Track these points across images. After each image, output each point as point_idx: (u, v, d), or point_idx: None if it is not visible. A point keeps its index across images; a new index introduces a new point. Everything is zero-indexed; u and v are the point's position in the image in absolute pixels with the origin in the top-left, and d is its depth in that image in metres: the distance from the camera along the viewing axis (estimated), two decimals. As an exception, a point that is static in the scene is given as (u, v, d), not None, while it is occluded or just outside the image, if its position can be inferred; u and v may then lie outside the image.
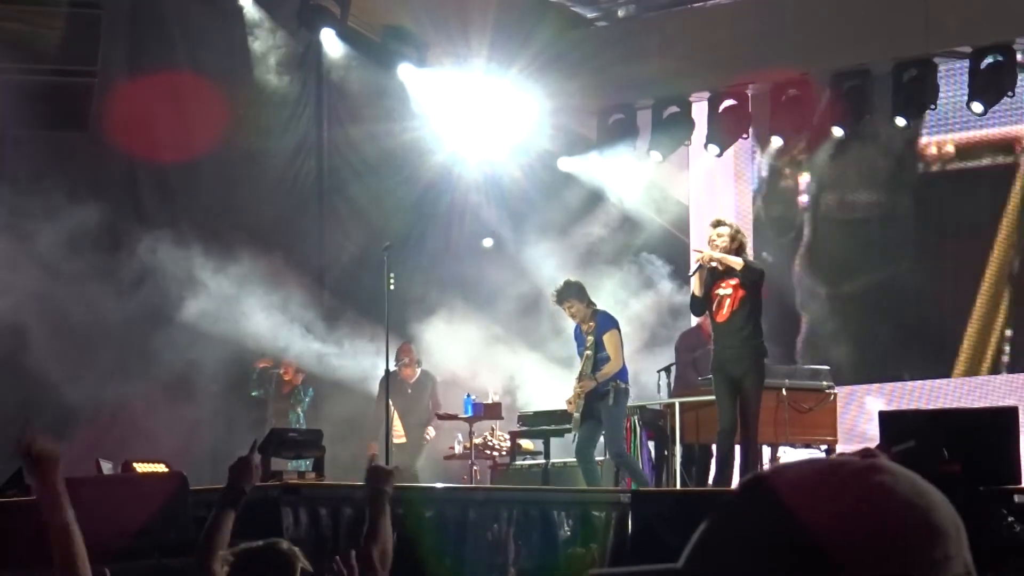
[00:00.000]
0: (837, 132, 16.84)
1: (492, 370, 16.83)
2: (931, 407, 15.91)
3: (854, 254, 17.52)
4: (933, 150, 17.34)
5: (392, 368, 15.02)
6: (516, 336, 17.29)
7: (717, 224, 12.59)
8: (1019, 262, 16.60)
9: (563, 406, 14.89)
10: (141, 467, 10.66)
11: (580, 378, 13.14)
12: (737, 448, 12.28)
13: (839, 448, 13.80)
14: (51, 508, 4.11)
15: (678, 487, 13.61)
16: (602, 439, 13.33)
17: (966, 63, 15.98)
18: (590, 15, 18.47)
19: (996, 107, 16.02)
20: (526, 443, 15.35)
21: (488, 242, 18.47)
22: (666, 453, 14.27)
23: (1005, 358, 16.63)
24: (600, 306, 13.55)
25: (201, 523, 9.12)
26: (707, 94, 17.55)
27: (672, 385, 15.20)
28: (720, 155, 17.64)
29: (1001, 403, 14.70)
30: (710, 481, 13.12)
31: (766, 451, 13.25)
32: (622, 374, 13.11)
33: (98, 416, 15.13)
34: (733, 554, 1.49)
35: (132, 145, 16.18)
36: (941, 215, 17.18)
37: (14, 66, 15.95)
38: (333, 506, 10.20)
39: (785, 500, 1.48)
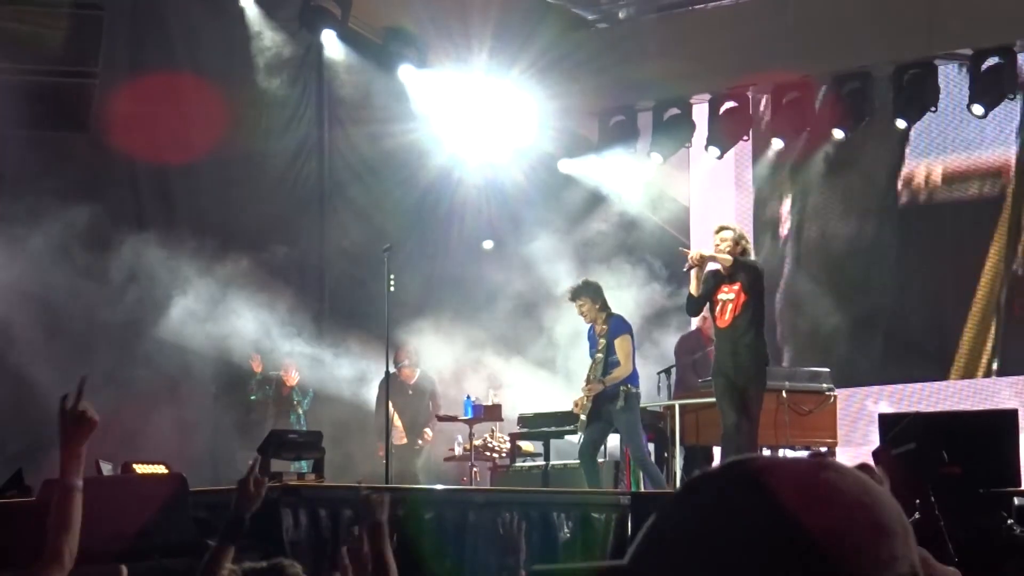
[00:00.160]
0: (838, 134, 16.85)
1: (484, 371, 16.86)
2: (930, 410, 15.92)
3: (837, 286, 17.49)
4: (919, 179, 17.38)
5: (391, 370, 15.01)
6: (513, 338, 17.29)
7: (720, 229, 12.52)
8: (1006, 292, 16.64)
9: (562, 408, 14.90)
10: (141, 468, 10.65)
11: (588, 380, 13.11)
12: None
13: (839, 451, 13.81)
14: (67, 470, 4.31)
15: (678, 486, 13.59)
16: (605, 442, 13.34)
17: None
18: (591, 17, 18.47)
19: (986, 135, 16.23)
20: (526, 445, 15.35)
21: (488, 244, 18.47)
22: (666, 455, 14.27)
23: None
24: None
25: (201, 524, 9.16)
26: (708, 96, 17.56)
27: (672, 387, 15.20)
28: (721, 157, 17.64)
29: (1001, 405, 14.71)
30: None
31: (765, 453, 13.21)
32: (632, 379, 13.06)
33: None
34: (678, 552, 1.48)
35: (133, 146, 16.18)
36: (926, 245, 17.20)
37: (15, 66, 15.95)
38: (333, 507, 10.20)
39: (733, 496, 1.48)
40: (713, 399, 12.78)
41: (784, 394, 13.39)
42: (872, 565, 1.45)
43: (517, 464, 15.13)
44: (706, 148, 17.52)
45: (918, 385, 16.85)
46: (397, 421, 15.90)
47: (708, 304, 12.43)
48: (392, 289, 13.80)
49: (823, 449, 13.42)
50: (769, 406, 12.82)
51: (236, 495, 5.27)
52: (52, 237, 15.18)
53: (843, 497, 1.48)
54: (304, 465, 12.63)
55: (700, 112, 17.64)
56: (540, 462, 14.78)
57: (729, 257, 12.18)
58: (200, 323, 15.98)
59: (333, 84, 18.08)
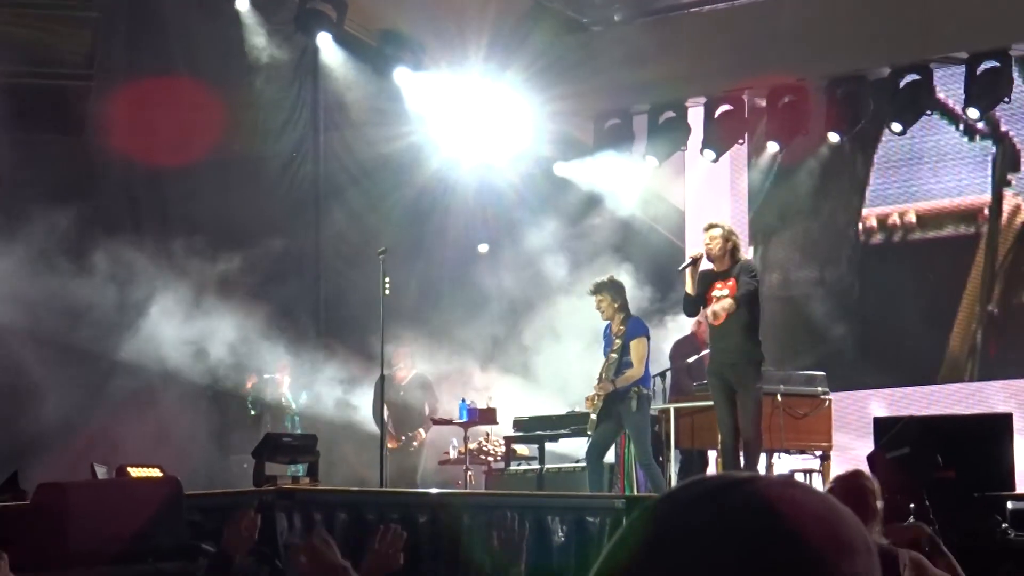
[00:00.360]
0: (833, 138, 16.87)
1: (479, 374, 16.88)
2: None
3: (799, 332, 17.49)
4: (893, 219, 17.46)
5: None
6: (508, 342, 17.31)
7: (709, 227, 12.41)
8: (982, 331, 16.68)
9: (556, 412, 14.91)
10: (136, 471, 10.64)
11: (600, 379, 13.09)
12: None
13: (834, 454, 13.80)
14: None
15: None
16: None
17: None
18: (586, 20, 18.47)
19: (961, 178, 16.40)
20: (520, 448, 15.36)
21: (484, 248, 18.47)
22: (661, 459, 14.26)
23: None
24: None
25: (195, 528, 9.16)
26: (703, 99, 17.56)
27: (668, 391, 15.20)
28: (716, 160, 17.65)
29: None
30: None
31: (761, 458, 13.19)
32: (644, 381, 13.04)
33: (87, 422, 15.14)
34: (636, 568, 1.49)
35: (128, 149, 16.19)
36: (896, 284, 17.24)
37: (11, 69, 15.97)
38: (327, 511, 10.20)
39: (694, 514, 1.49)
40: (708, 403, 12.77)
41: (779, 397, 13.37)
42: None
43: (512, 468, 15.13)
44: (701, 152, 17.52)
45: (909, 389, 16.87)
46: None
47: (703, 304, 12.37)
48: (387, 292, 13.80)
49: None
50: (764, 410, 12.78)
51: (225, 534, 5.19)
52: (46, 240, 15.18)
53: (807, 513, 1.48)
54: (299, 468, 12.63)
55: (696, 115, 17.65)
56: (535, 465, 14.78)
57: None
58: (194, 326, 15.98)
59: (329, 87, 18.09)
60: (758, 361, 12.17)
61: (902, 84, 16.22)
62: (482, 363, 17.35)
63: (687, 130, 17.66)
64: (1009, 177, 16.64)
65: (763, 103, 17.20)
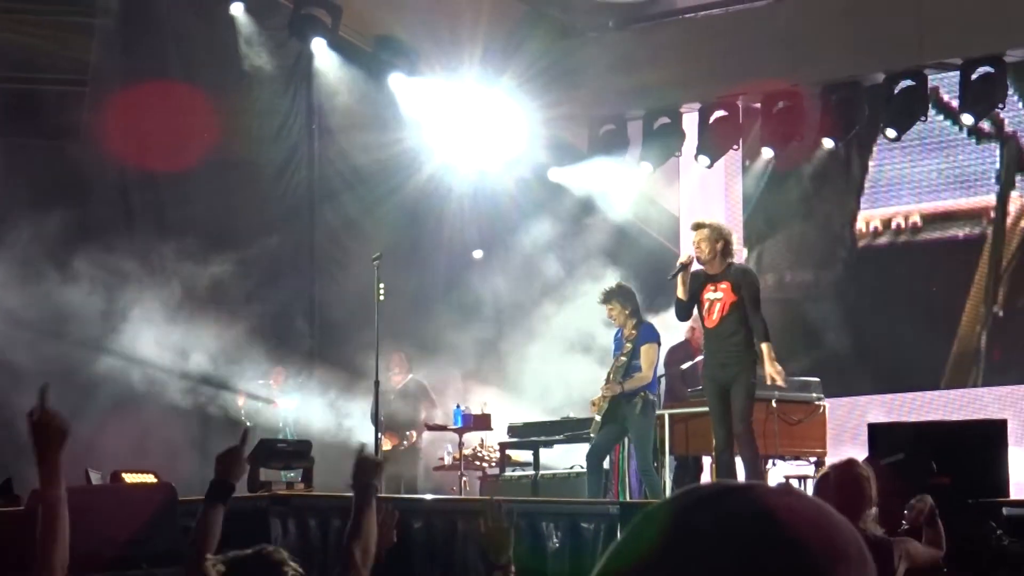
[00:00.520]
0: (828, 144, 16.88)
1: (474, 380, 16.89)
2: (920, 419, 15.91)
3: (795, 336, 17.46)
4: (870, 224, 17.48)
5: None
6: (502, 347, 17.30)
7: (697, 227, 12.09)
8: (986, 335, 16.69)
9: (550, 418, 14.91)
10: (130, 477, 10.64)
11: (608, 381, 13.09)
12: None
13: (828, 461, 13.78)
14: (47, 482, 4.24)
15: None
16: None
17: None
18: (580, 26, 18.48)
19: (964, 180, 16.39)
20: (515, 454, 15.35)
21: (478, 254, 18.47)
22: (656, 464, 14.25)
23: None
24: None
25: (190, 533, 9.14)
26: (698, 105, 17.57)
27: (662, 397, 15.19)
28: (710, 166, 17.65)
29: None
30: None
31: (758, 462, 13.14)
32: (651, 387, 13.07)
33: (80, 428, 15.11)
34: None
35: (122, 154, 16.17)
36: (901, 287, 17.24)
37: (5, 74, 15.95)
38: (322, 517, 10.20)
39: (688, 520, 1.51)
40: (702, 409, 12.73)
41: (774, 403, 13.33)
42: None
43: (507, 473, 15.13)
44: (696, 157, 17.52)
45: (910, 395, 16.86)
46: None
47: (697, 306, 12.27)
48: (382, 298, 13.80)
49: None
50: (759, 416, 12.72)
51: (223, 462, 5.21)
52: (40, 245, 15.17)
53: (802, 522, 1.50)
54: (294, 474, 12.63)
55: (690, 121, 17.65)
56: (529, 471, 14.78)
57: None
58: (187, 332, 15.96)
59: (323, 92, 18.08)
60: (752, 359, 12.03)
61: (897, 90, 16.23)
62: (475, 369, 17.34)
63: (681, 136, 17.66)
64: (1015, 179, 16.64)
65: (757, 109, 17.21)
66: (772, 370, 11.82)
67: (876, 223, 17.52)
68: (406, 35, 17.88)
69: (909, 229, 17.31)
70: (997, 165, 16.71)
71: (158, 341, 15.88)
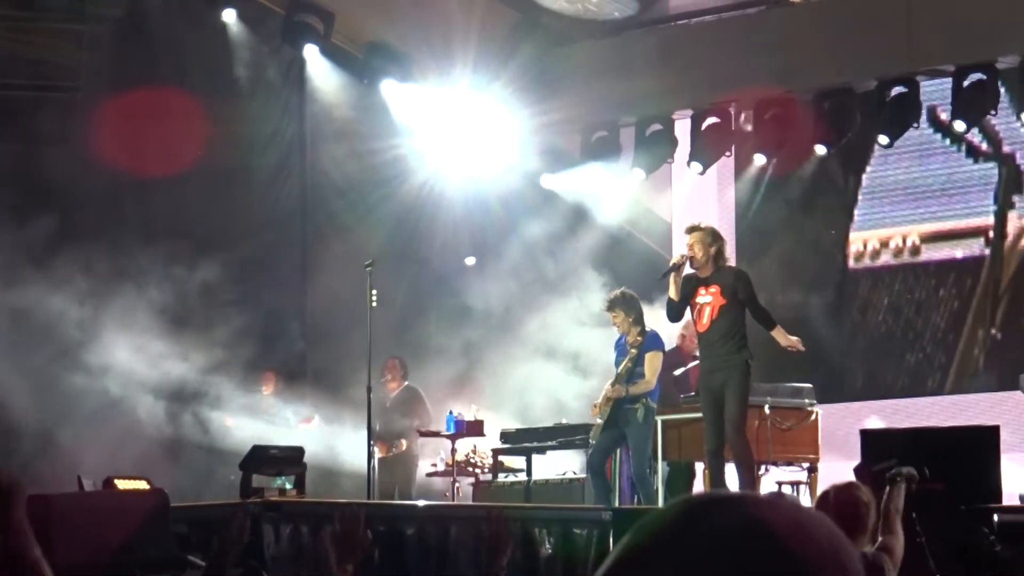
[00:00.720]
0: (821, 150, 16.89)
1: (466, 386, 16.88)
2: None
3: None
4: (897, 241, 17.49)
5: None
6: (495, 353, 17.30)
7: (691, 230, 12.24)
8: (984, 355, 16.70)
9: (545, 424, 14.91)
10: (123, 483, 10.63)
11: (614, 384, 13.09)
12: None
13: (821, 466, 13.79)
14: (23, 545, 3.97)
15: (660, 505, 13.57)
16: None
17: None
18: (574, 32, 18.48)
19: (966, 200, 16.39)
20: (508, 460, 15.35)
21: (470, 260, 18.47)
22: (649, 470, 14.26)
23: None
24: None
25: (182, 540, 9.14)
26: (690, 112, 17.57)
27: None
28: (703, 173, 17.65)
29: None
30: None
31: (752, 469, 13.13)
32: (652, 394, 13.11)
33: (72, 434, 15.12)
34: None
35: (114, 161, 16.16)
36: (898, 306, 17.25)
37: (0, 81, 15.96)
38: (314, 523, 10.19)
39: (686, 529, 1.51)
40: (695, 415, 12.76)
41: (767, 410, 13.34)
42: None
43: (499, 480, 15.13)
44: (688, 164, 17.52)
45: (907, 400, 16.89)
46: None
47: (689, 309, 12.31)
48: (374, 305, 13.80)
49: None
50: (751, 422, 12.74)
51: (217, 543, 5.16)
52: (33, 251, 15.17)
53: (794, 532, 1.50)
54: (286, 481, 12.61)
55: (682, 128, 17.66)
56: (522, 477, 14.78)
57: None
58: (179, 337, 15.96)
59: (315, 99, 18.08)
60: (745, 361, 12.03)
61: (889, 97, 16.24)
62: (467, 374, 17.34)
63: (674, 142, 17.66)
64: (1013, 199, 16.65)
65: (750, 115, 17.22)
66: (790, 341, 12.15)
67: (875, 243, 17.52)
68: (398, 42, 17.88)
69: (907, 249, 17.32)
70: (995, 186, 16.74)
71: (149, 347, 15.87)
